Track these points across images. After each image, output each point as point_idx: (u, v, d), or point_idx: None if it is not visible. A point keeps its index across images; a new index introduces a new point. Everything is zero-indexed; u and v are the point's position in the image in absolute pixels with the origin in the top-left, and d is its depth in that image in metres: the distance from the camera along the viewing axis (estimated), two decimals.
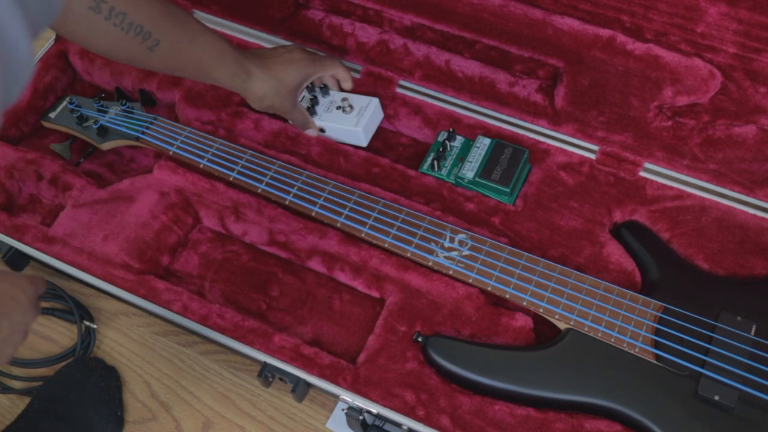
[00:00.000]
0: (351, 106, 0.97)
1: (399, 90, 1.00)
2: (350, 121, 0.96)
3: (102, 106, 0.98)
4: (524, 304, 0.79)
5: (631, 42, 0.87)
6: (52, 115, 1.00)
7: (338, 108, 0.97)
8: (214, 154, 0.91)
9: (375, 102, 0.97)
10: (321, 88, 0.99)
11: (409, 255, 0.83)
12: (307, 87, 0.99)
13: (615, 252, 0.85)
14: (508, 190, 0.89)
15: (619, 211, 0.89)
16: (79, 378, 0.85)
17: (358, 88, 1.01)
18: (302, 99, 0.99)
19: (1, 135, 0.99)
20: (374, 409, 0.77)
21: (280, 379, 0.81)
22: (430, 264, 0.82)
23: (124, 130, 0.95)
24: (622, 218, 0.89)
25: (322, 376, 0.79)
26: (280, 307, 0.88)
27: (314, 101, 0.98)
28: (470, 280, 0.81)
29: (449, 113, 0.98)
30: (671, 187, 0.90)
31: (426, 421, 0.76)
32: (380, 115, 0.99)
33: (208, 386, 0.89)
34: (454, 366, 0.77)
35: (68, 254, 0.89)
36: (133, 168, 1.00)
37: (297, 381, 0.79)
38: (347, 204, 0.86)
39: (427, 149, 0.97)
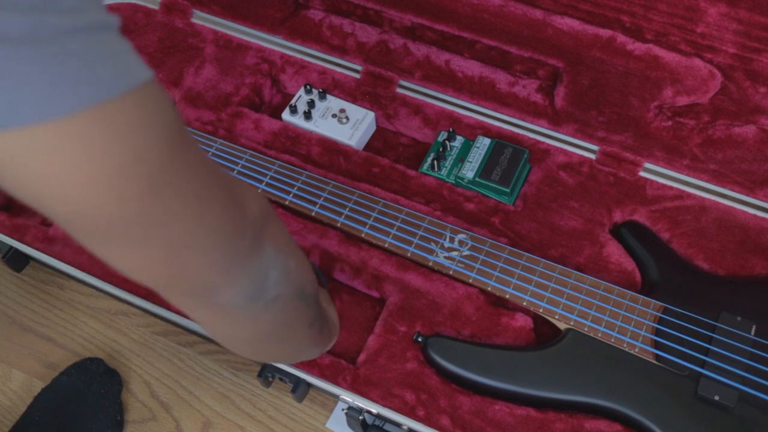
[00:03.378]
0: (347, 118, 0.97)
1: (399, 90, 1.00)
2: (345, 133, 0.96)
3: None
4: (524, 304, 0.79)
5: (631, 42, 0.87)
6: None
7: (334, 116, 0.97)
8: (213, 154, 0.91)
9: (371, 116, 0.98)
10: (319, 92, 0.99)
11: (409, 255, 0.83)
12: (305, 89, 0.99)
13: (615, 252, 0.85)
14: (508, 190, 0.89)
15: (619, 211, 0.89)
16: (79, 387, 0.85)
17: (358, 88, 1.01)
18: (299, 99, 0.99)
19: None
20: (374, 409, 0.77)
21: (280, 379, 0.81)
22: (430, 264, 0.82)
23: None
24: (622, 218, 0.89)
25: (322, 376, 0.79)
26: None
27: (311, 104, 0.98)
28: (470, 280, 0.81)
29: (449, 113, 0.98)
30: (671, 187, 0.90)
31: (426, 421, 0.76)
32: (374, 128, 0.99)
33: (208, 386, 0.89)
34: (454, 366, 0.77)
35: (68, 254, 0.89)
36: None
37: (297, 381, 0.79)
38: (347, 204, 0.86)
39: (427, 149, 0.97)
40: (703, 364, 0.74)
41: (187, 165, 0.42)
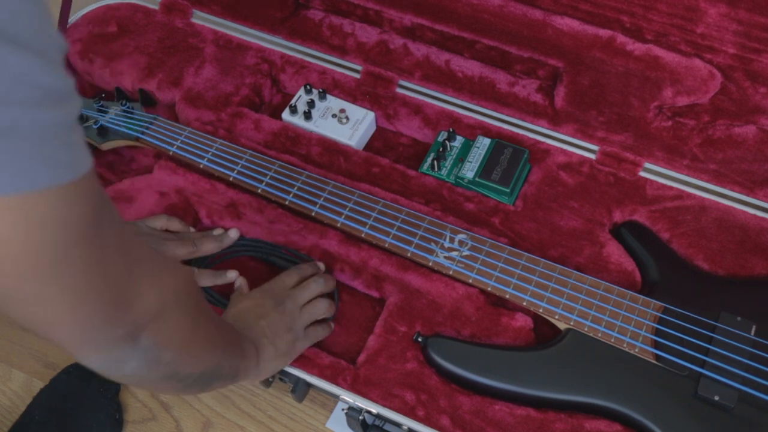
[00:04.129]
0: (347, 118, 0.97)
1: (399, 90, 1.00)
2: (345, 133, 0.96)
3: (102, 106, 0.98)
4: (524, 304, 0.79)
5: (631, 42, 0.87)
6: None
7: (334, 116, 0.97)
8: (214, 155, 0.91)
9: (371, 116, 0.98)
10: (319, 92, 0.99)
11: (409, 255, 0.83)
12: (305, 89, 0.99)
13: (615, 252, 0.85)
14: (508, 191, 0.89)
15: (619, 211, 0.89)
16: (77, 384, 0.85)
17: (358, 88, 1.01)
18: (299, 99, 0.99)
19: None
20: (374, 409, 0.77)
21: (280, 379, 0.81)
22: (430, 264, 0.82)
23: (124, 130, 0.95)
24: (622, 218, 0.89)
25: (322, 376, 0.79)
26: None
27: (311, 105, 0.98)
28: (470, 281, 0.81)
29: (449, 113, 0.98)
30: (671, 187, 0.90)
31: (426, 421, 0.76)
32: (374, 128, 0.99)
33: None
34: (454, 366, 0.77)
35: None
36: (133, 168, 1.00)
37: (297, 381, 0.79)
38: (347, 204, 0.86)
39: (427, 149, 0.97)
40: (703, 364, 0.74)
41: (80, 263, 0.43)
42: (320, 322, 0.81)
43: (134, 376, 0.53)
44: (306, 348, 0.80)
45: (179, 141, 0.93)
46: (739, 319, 0.76)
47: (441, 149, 0.94)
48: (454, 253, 0.83)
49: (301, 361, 0.80)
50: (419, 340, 0.80)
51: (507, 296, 0.80)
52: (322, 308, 0.81)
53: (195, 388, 0.61)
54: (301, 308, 0.79)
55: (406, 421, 0.76)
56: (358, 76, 1.02)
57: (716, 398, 0.72)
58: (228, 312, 0.77)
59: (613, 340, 0.76)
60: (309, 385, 0.80)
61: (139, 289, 0.49)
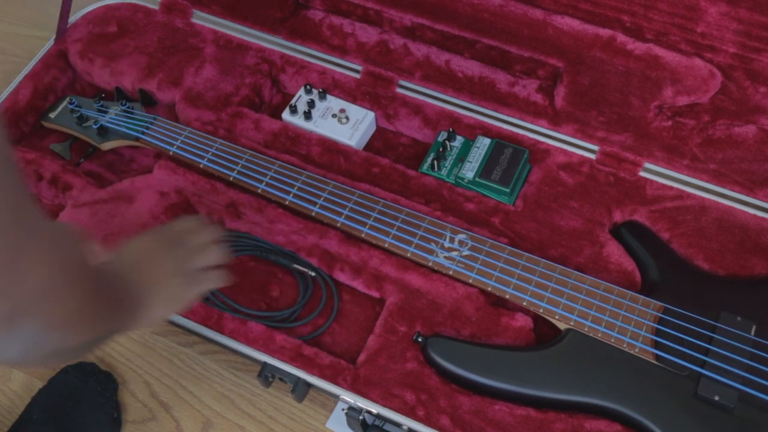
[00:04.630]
0: (347, 118, 0.97)
1: (399, 90, 1.00)
2: (345, 133, 0.96)
3: (102, 106, 0.98)
4: (524, 304, 0.79)
5: (631, 42, 0.87)
6: (52, 115, 1.00)
7: (334, 116, 0.97)
8: (214, 154, 0.91)
9: (371, 116, 0.98)
10: (319, 92, 0.99)
11: (409, 255, 0.83)
12: (305, 89, 0.99)
13: (615, 252, 0.85)
14: (508, 190, 0.89)
15: (619, 211, 0.89)
16: (75, 384, 0.85)
17: (358, 88, 1.01)
18: (299, 99, 0.99)
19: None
20: (374, 409, 0.77)
21: (280, 379, 0.81)
22: (430, 264, 0.82)
23: (124, 130, 0.95)
24: (622, 218, 0.89)
25: (322, 376, 0.79)
26: (279, 308, 0.88)
27: (311, 105, 0.98)
28: (470, 281, 0.81)
29: (449, 113, 0.98)
30: (671, 187, 0.90)
31: (426, 421, 0.76)
32: (374, 128, 0.99)
33: (208, 386, 0.89)
34: (454, 366, 0.77)
35: None
36: (133, 168, 1.00)
37: (297, 381, 0.79)
38: (347, 204, 0.86)
39: (427, 149, 0.97)
40: (703, 364, 0.74)
41: None
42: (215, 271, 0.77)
43: (14, 361, 0.50)
44: (198, 293, 0.75)
45: (179, 141, 0.93)
46: (739, 319, 0.76)
47: (441, 149, 0.94)
48: (454, 253, 0.83)
49: (301, 362, 0.80)
50: (419, 340, 0.80)
51: (507, 296, 0.80)
52: (215, 254, 0.77)
53: (71, 357, 0.59)
54: (193, 253, 0.75)
55: (406, 421, 0.76)
56: (358, 76, 1.02)
57: (716, 398, 0.72)
58: (118, 253, 0.72)
59: (613, 340, 0.76)
60: (309, 385, 0.80)
61: (28, 262, 0.44)
